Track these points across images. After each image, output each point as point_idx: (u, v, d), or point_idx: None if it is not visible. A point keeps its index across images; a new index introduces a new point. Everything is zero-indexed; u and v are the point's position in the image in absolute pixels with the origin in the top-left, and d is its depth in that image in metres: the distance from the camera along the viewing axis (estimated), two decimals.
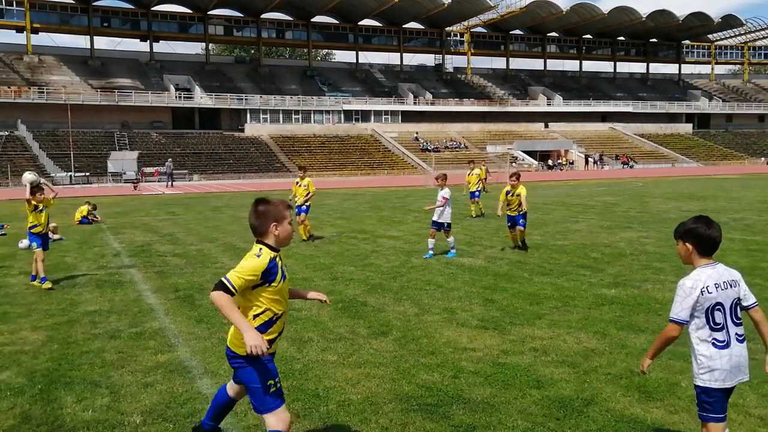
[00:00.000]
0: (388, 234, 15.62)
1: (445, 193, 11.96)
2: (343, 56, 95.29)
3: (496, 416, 4.66)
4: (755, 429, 4.39)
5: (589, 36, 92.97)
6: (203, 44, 79.38)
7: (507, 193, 12.46)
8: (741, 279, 3.59)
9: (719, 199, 24.49)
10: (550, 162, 68.68)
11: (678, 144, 79.10)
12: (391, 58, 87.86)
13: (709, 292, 3.46)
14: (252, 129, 66.59)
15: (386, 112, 74.45)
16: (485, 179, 34.59)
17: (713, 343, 3.47)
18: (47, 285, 9.73)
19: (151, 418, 4.78)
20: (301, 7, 75.56)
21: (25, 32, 67.08)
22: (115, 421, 4.75)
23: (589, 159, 68.81)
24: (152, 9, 72.40)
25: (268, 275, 3.79)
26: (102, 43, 75.35)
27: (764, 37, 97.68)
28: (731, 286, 3.53)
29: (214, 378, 5.60)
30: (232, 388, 4.11)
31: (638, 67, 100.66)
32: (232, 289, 3.60)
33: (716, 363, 3.44)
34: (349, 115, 72.65)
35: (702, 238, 3.55)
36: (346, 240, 14.85)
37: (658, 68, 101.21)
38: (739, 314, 3.53)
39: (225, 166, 58.00)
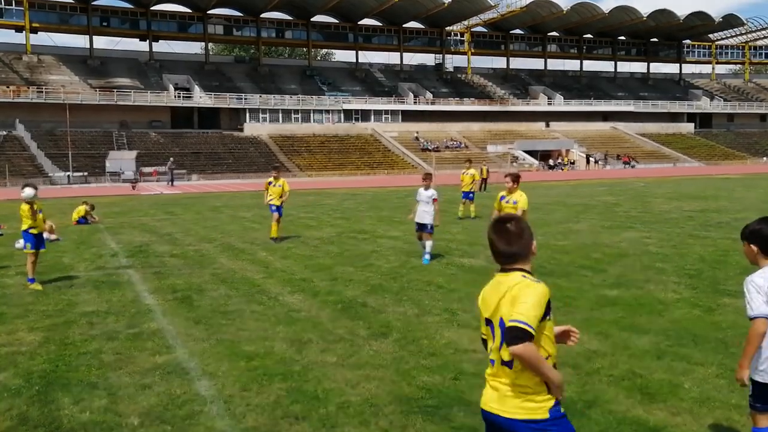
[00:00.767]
0: (388, 234, 15.57)
1: (433, 194, 11.59)
2: (343, 56, 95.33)
3: None
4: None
5: (589, 35, 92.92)
6: (203, 44, 79.34)
7: (501, 198, 9.92)
8: None
9: (721, 199, 24.44)
10: (551, 162, 68.64)
11: (679, 144, 79.06)
12: (391, 57, 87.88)
13: None
14: (251, 129, 66.53)
15: (386, 112, 74.41)
16: (486, 178, 34.69)
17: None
18: (36, 286, 9.68)
19: (149, 419, 4.74)
20: (301, 6, 75.50)
21: (24, 32, 67.01)
22: (113, 422, 4.71)
23: (591, 159, 68.75)
24: (152, 8, 72.33)
25: (548, 306, 2.78)
26: (101, 42, 75.37)
27: (765, 37, 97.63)
28: None
29: (212, 379, 5.56)
30: None
31: (639, 67, 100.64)
32: (533, 332, 2.64)
33: None
34: (349, 115, 72.60)
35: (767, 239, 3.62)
36: (346, 240, 14.80)
37: (659, 68, 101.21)
38: None
39: (224, 166, 57.95)
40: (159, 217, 22.31)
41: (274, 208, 14.72)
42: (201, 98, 68.36)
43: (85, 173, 52.15)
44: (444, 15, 78.92)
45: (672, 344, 6.20)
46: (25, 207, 9.98)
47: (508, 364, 2.75)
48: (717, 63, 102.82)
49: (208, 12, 74.96)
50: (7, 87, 60.25)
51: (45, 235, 11.59)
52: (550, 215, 19.47)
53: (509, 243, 2.82)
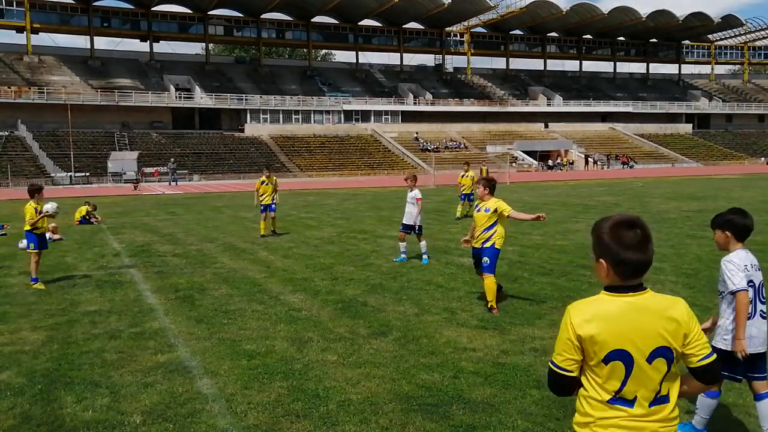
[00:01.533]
0: (388, 234, 15.61)
1: (416, 194, 11.67)
2: (343, 56, 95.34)
3: (496, 416, 4.66)
4: (756, 429, 4.39)
5: (589, 36, 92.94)
6: (203, 44, 79.36)
7: (476, 208, 8.12)
8: None
9: (719, 199, 24.48)
10: (550, 162, 68.68)
11: (678, 144, 79.09)
12: (391, 58, 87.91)
13: (747, 270, 4.04)
14: (252, 129, 66.58)
15: (386, 112, 74.44)
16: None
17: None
18: (39, 286, 9.73)
19: (151, 418, 4.79)
20: (301, 7, 75.53)
21: (25, 32, 67.03)
22: (115, 421, 4.75)
23: (589, 159, 68.78)
24: (152, 9, 72.36)
25: None
26: (102, 43, 75.48)
27: (764, 38, 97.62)
28: (759, 270, 4.14)
29: (213, 378, 5.61)
30: None
31: (638, 67, 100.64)
32: None
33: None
34: (349, 115, 72.63)
35: (739, 227, 4.11)
36: (346, 240, 14.85)
37: (658, 68, 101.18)
38: (764, 294, 4.11)
39: (225, 167, 57.99)
40: (161, 217, 22.35)
41: (263, 208, 15.69)
42: (202, 99, 68.40)
43: (87, 174, 52.21)
44: (444, 15, 78.94)
45: None
46: (29, 208, 10.03)
47: (665, 398, 2.32)
48: (716, 63, 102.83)
49: (209, 12, 74.98)
50: (9, 87, 60.30)
51: (48, 235, 11.66)
52: (549, 215, 19.38)
53: (651, 250, 2.27)
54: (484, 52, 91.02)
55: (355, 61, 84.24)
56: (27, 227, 10.08)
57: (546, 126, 79.69)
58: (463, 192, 19.65)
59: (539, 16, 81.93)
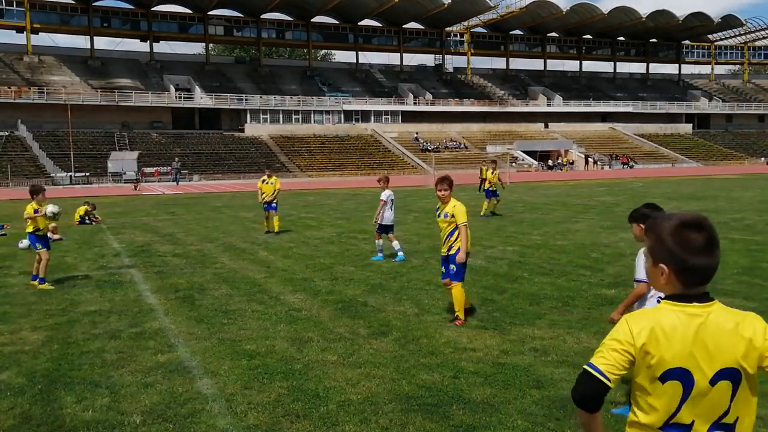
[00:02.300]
0: None
1: (384, 195, 11.98)
2: (343, 56, 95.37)
3: (496, 416, 4.66)
4: (755, 429, 4.38)
5: (589, 36, 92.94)
6: (203, 44, 79.38)
7: (437, 212, 7.46)
8: None
9: (719, 200, 24.49)
10: (550, 162, 68.70)
11: (678, 144, 79.11)
12: (391, 58, 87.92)
13: None
14: (252, 129, 66.60)
15: (386, 113, 74.46)
16: (485, 179, 34.78)
17: (658, 300, 4.22)
18: (45, 286, 9.74)
19: (151, 418, 4.79)
20: (301, 7, 75.54)
21: (25, 32, 67.05)
22: (115, 421, 4.75)
23: (589, 159, 68.82)
24: (152, 9, 72.37)
25: None
26: (102, 43, 75.47)
27: (764, 38, 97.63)
28: None
29: (213, 378, 5.61)
30: None
31: (638, 67, 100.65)
32: None
33: None
34: (349, 116, 72.65)
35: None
36: (346, 240, 14.85)
37: (658, 68, 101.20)
38: None
39: (225, 167, 58.00)
40: (161, 217, 22.35)
41: (266, 206, 16.18)
42: (202, 99, 68.42)
43: (87, 174, 52.25)
44: (444, 16, 78.96)
45: None
46: (29, 209, 10.02)
47: (729, 427, 2.04)
48: (716, 63, 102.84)
49: (209, 13, 75.00)
50: (9, 87, 60.31)
51: (48, 235, 11.64)
52: (549, 215, 19.53)
53: (718, 254, 2.02)
54: (484, 52, 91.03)
55: (355, 61, 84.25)
56: (30, 229, 10.07)
57: (546, 126, 79.70)
58: (488, 189, 20.53)
59: (539, 16, 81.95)
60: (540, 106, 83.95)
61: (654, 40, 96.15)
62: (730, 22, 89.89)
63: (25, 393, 5.35)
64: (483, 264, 11.07)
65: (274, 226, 16.17)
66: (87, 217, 20.00)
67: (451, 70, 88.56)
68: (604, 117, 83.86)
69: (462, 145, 70.44)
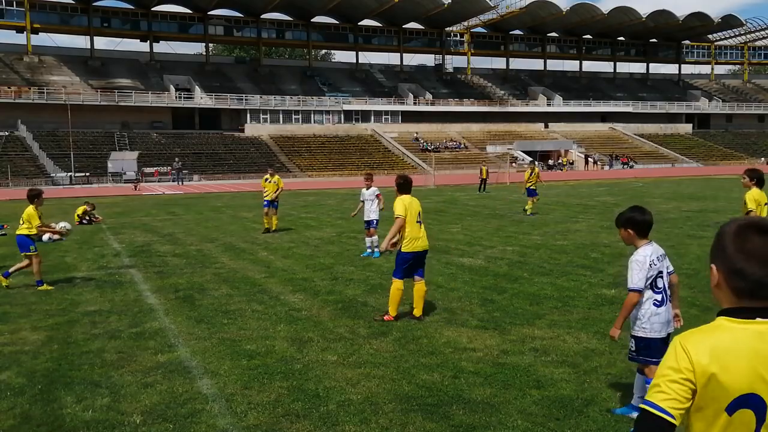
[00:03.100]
0: None
1: (375, 190, 12.56)
2: (343, 56, 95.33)
3: (496, 416, 4.66)
4: None
5: (589, 36, 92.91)
6: (203, 44, 79.35)
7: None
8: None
9: (719, 200, 24.49)
10: (550, 162, 68.70)
11: (678, 144, 79.11)
12: (391, 58, 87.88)
13: (654, 264, 4.38)
14: (252, 129, 66.59)
15: (386, 113, 74.44)
16: (485, 179, 34.80)
17: (653, 303, 4.39)
18: (45, 287, 9.74)
19: (151, 418, 4.79)
20: (301, 7, 75.53)
21: (25, 32, 67.01)
22: (115, 421, 4.75)
23: (589, 159, 68.81)
24: (152, 9, 72.33)
25: None
26: (102, 43, 75.40)
27: (764, 38, 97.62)
28: (665, 258, 4.50)
29: (214, 378, 5.61)
30: None
31: (638, 68, 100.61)
32: None
33: (654, 318, 4.39)
34: (349, 116, 72.64)
35: (639, 223, 4.43)
36: (346, 240, 14.85)
37: (658, 68, 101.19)
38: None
39: (225, 167, 57.99)
40: (161, 217, 22.35)
41: (267, 203, 16.34)
42: (202, 99, 68.40)
43: (87, 174, 52.24)
44: (444, 16, 78.94)
45: None
46: (34, 214, 10.00)
47: None
48: (716, 63, 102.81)
49: (209, 13, 74.99)
50: (9, 87, 60.30)
51: (47, 236, 11.63)
52: (549, 215, 19.52)
53: None
54: (484, 52, 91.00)
55: (355, 61, 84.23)
56: (32, 231, 10.04)
57: (546, 126, 79.69)
58: (529, 187, 20.72)
59: (539, 16, 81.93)
60: (540, 106, 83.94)
61: (654, 40, 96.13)
62: (730, 22, 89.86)
63: (25, 393, 5.35)
64: (483, 264, 11.07)
65: (273, 223, 16.42)
66: (86, 217, 19.99)
67: (451, 70, 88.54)
68: (604, 117, 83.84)
69: (462, 145, 70.43)
